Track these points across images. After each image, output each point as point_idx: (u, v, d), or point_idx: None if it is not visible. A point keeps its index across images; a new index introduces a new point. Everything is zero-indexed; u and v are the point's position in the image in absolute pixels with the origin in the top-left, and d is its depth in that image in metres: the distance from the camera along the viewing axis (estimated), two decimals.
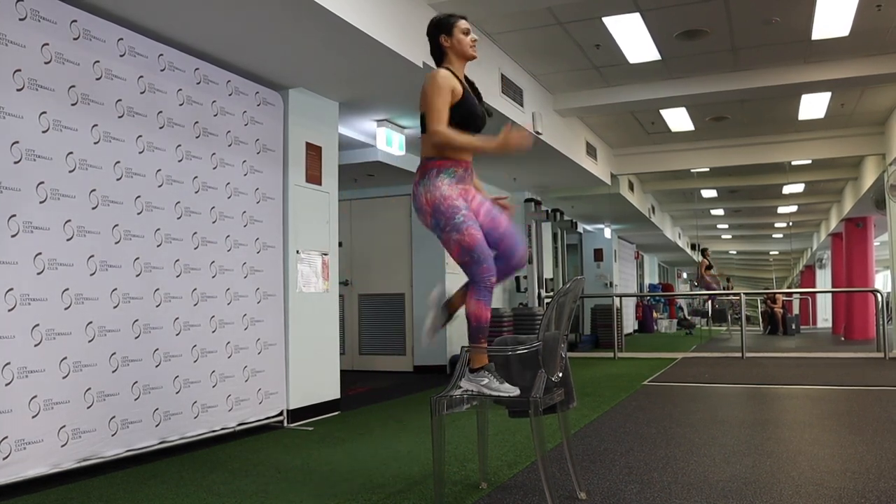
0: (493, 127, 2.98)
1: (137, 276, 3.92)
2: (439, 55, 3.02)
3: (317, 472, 3.58)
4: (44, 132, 3.45)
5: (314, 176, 5.39)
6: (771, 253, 25.23)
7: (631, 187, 11.81)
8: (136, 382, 3.86)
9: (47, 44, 3.48)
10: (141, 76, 4.02)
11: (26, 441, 3.26)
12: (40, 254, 3.38)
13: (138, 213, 3.95)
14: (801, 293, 23.27)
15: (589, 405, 5.33)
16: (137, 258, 3.93)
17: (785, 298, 18.60)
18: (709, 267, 14.85)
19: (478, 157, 3.03)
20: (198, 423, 4.25)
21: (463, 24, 3.01)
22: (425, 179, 2.85)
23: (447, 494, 3.00)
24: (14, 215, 3.28)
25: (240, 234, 4.68)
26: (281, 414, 4.93)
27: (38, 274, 3.37)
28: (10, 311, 3.23)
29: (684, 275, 27.76)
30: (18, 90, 3.34)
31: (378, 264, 8.75)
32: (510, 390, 2.70)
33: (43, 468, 3.34)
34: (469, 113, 2.90)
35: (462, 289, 2.92)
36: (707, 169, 11.22)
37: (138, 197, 3.96)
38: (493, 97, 6.09)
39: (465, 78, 3.02)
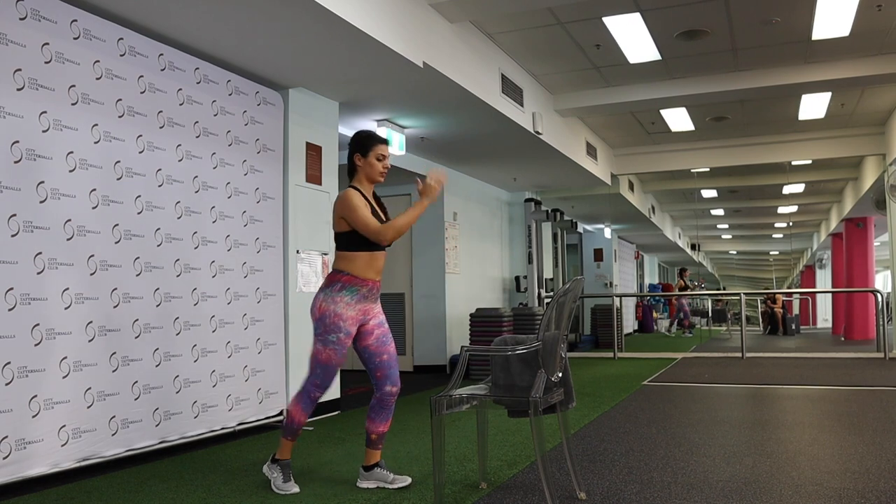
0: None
1: (137, 275, 3.92)
2: (351, 170, 3.24)
3: (317, 472, 3.58)
4: (44, 132, 3.45)
5: (314, 176, 5.39)
6: (771, 253, 25.23)
7: (631, 187, 11.82)
8: (136, 382, 3.86)
9: (47, 43, 3.48)
10: (141, 76, 4.02)
11: (26, 440, 3.26)
12: (40, 253, 3.38)
13: (138, 213, 3.96)
14: (801, 293, 23.28)
15: (588, 405, 5.33)
16: (137, 258, 3.93)
17: (785, 298, 18.60)
18: (684, 288, 15.03)
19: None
20: (198, 422, 4.25)
21: (380, 149, 3.21)
22: (328, 289, 3.11)
23: (447, 494, 3.00)
24: (14, 215, 3.28)
25: (240, 233, 4.68)
26: (281, 413, 4.93)
27: (38, 273, 3.37)
28: (10, 310, 3.23)
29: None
30: (18, 90, 3.34)
31: None
32: (290, 488, 3.15)
33: (43, 468, 3.34)
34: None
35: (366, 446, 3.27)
36: (707, 169, 11.21)
37: (138, 196, 3.96)
38: (493, 97, 6.09)
39: (374, 195, 3.24)
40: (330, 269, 3.23)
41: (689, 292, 14.65)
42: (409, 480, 3.18)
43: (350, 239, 3.11)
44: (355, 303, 3.10)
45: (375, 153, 3.17)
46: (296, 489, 3.16)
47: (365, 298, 3.14)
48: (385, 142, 3.24)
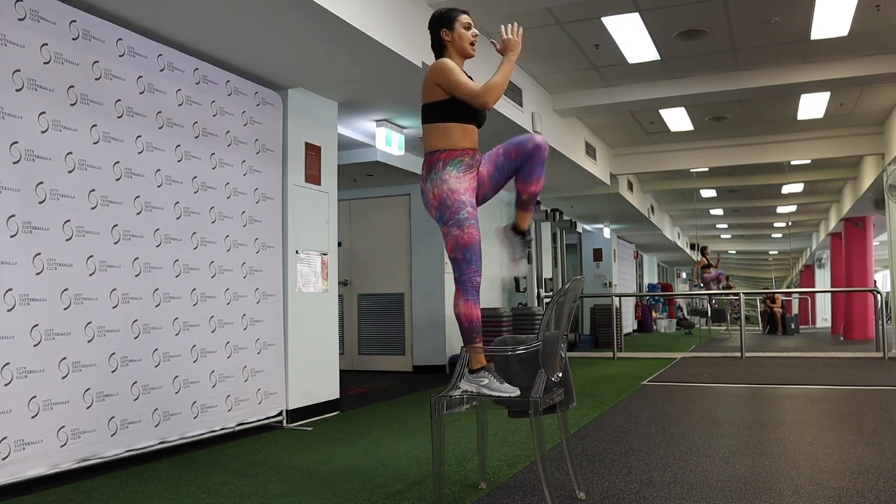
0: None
1: (137, 276, 3.92)
2: (439, 49, 3.02)
3: (316, 473, 3.58)
4: (43, 132, 3.44)
5: (313, 176, 5.39)
6: (770, 253, 25.25)
7: (630, 187, 11.82)
8: (135, 382, 3.86)
9: (46, 44, 3.48)
10: (140, 76, 4.02)
11: (26, 441, 3.26)
12: (39, 254, 3.38)
13: (137, 214, 3.95)
14: (800, 293, 23.29)
15: (588, 405, 5.33)
16: (137, 258, 3.92)
17: (784, 298, 18.61)
18: (707, 265, 14.86)
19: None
20: (197, 423, 4.25)
21: (465, 18, 3.00)
22: (432, 174, 2.86)
23: (447, 494, 3.00)
24: (13, 215, 3.28)
25: (239, 234, 4.68)
26: (280, 414, 4.93)
27: (38, 274, 3.37)
28: (9, 311, 3.22)
29: (683, 275, 27.78)
30: (17, 90, 3.34)
31: (377, 264, 8.75)
32: (510, 390, 2.70)
33: (42, 468, 3.33)
34: (470, 108, 2.90)
35: (517, 208, 3.04)
36: (706, 169, 11.22)
37: (137, 197, 3.96)
38: None
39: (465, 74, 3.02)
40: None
41: (687, 293, 14.58)
42: (517, 391, 2.75)
43: (443, 109, 2.86)
44: (463, 174, 2.86)
45: (461, 23, 2.96)
46: (516, 391, 2.70)
47: (469, 168, 2.89)
48: (465, 11, 3.01)
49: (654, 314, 18.12)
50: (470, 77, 3.00)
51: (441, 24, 2.99)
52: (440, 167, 2.85)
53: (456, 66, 2.90)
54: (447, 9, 3.03)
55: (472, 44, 3.01)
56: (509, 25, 2.97)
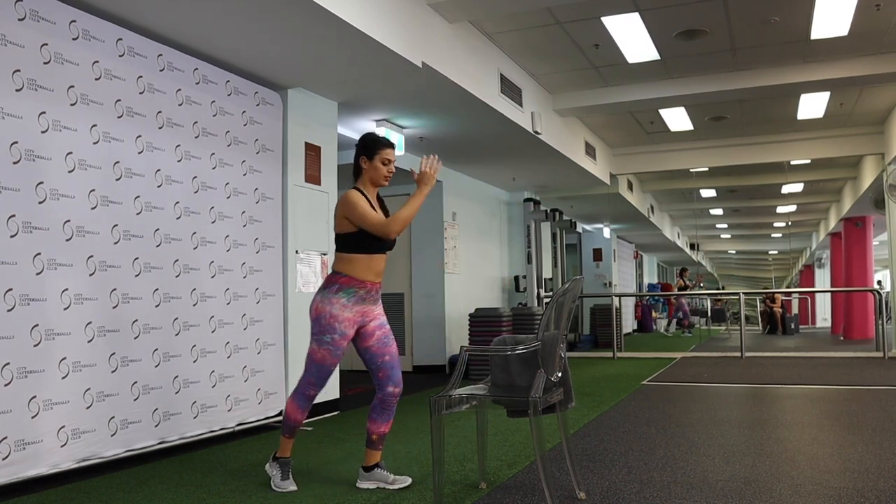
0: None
1: (137, 276, 3.92)
2: (357, 171, 3.24)
3: (316, 472, 3.58)
4: (43, 132, 3.45)
5: (313, 176, 5.39)
6: (770, 252, 25.26)
7: (630, 187, 11.82)
8: (135, 382, 3.86)
9: (46, 44, 3.48)
10: (140, 76, 4.02)
11: (26, 441, 3.26)
12: (39, 254, 3.38)
13: (137, 213, 3.95)
14: (800, 293, 23.30)
15: (588, 405, 5.33)
16: (137, 258, 3.93)
17: (784, 298, 18.62)
18: (683, 287, 15.05)
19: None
20: (197, 423, 4.25)
21: (386, 153, 3.20)
22: (326, 290, 3.12)
23: (446, 494, 3.00)
24: (13, 215, 3.28)
25: (239, 234, 4.68)
26: (280, 414, 4.93)
27: (38, 274, 3.37)
28: (9, 311, 3.23)
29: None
30: (18, 90, 3.34)
31: None
32: (288, 486, 3.19)
33: (42, 468, 3.34)
34: (374, 239, 3.11)
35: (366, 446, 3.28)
36: (706, 168, 11.22)
37: (137, 197, 3.96)
38: (492, 97, 6.09)
39: (377, 197, 3.25)
40: (329, 270, 3.23)
41: (687, 292, 14.66)
42: (409, 481, 3.18)
43: (350, 240, 3.11)
44: (352, 304, 3.10)
45: (381, 157, 3.17)
46: (293, 487, 3.19)
47: (363, 300, 3.14)
48: (392, 146, 3.23)
49: (654, 314, 18.13)
50: (381, 203, 3.27)
51: (362, 152, 3.21)
52: (335, 289, 3.11)
53: (361, 200, 3.09)
54: (374, 139, 3.24)
55: (386, 177, 3.22)
56: (427, 158, 3.14)
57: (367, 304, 3.16)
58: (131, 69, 3.97)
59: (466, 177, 9.15)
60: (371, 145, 3.19)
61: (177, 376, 4.13)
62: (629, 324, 16.48)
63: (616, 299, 11.31)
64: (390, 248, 3.23)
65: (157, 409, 3.98)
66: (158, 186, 4.10)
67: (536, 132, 7.10)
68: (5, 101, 3.27)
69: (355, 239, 3.10)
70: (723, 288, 24.90)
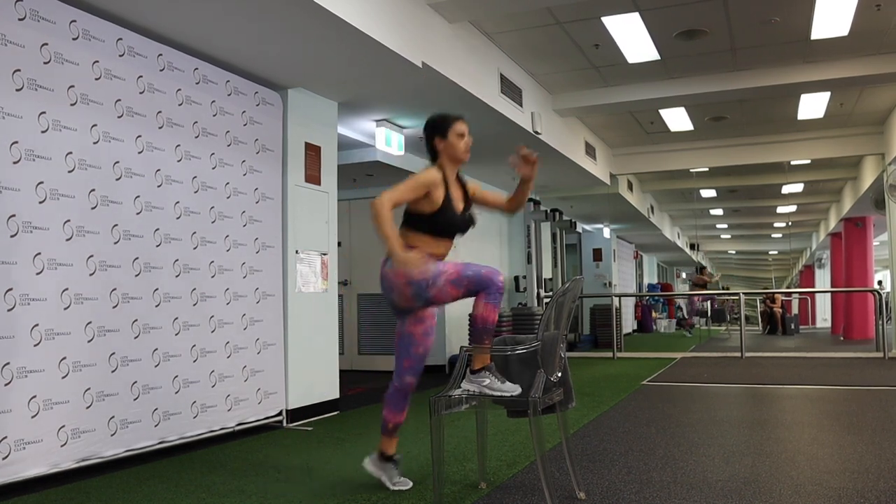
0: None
1: (137, 275, 3.92)
2: (433, 154, 3.09)
3: (316, 472, 3.58)
4: (43, 132, 3.45)
5: (313, 176, 5.39)
6: (770, 253, 25.27)
7: (630, 187, 11.82)
8: (135, 382, 3.86)
9: (46, 44, 3.48)
10: (140, 76, 4.02)
11: (26, 441, 3.26)
12: (39, 254, 3.38)
13: (137, 213, 3.95)
14: (800, 293, 23.30)
15: (588, 405, 5.33)
16: (137, 258, 3.93)
17: (784, 298, 18.62)
18: (704, 284, 15.12)
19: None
20: (197, 422, 4.25)
21: (459, 127, 3.06)
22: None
23: (446, 494, 3.00)
24: (13, 215, 3.28)
25: (239, 233, 4.68)
26: (280, 414, 4.94)
27: (38, 274, 3.37)
28: (9, 311, 3.23)
29: (683, 275, 27.82)
30: (18, 90, 3.34)
31: (377, 264, 8.69)
32: (511, 389, 2.72)
33: (42, 468, 3.34)
34: (445, 225, 2.98)
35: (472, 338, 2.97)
36: (706, 169, 11.22)
37: (137, 197, 3.96)
38: (492, 97, 6.09)
39: (458, 178, 3.11)
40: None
41: (688, 292, 14.70)
42: (409, 485, 3.16)
43: (418, 220, 2.97)
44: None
45: (455, 132, 3.03)
46: (517, 390, 2.73)
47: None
48: (462, 118, 3.08)
49: (653, 314, 18.13)
50: (463, 185, 3.13)
51: (435, 132, 3.06)
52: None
53: (422, 184, 2.91)
54: (441, 117, 3.08)
55: (465, 151, 3.08)
56: (530, 152, 3.02)
57: None
58: (131, 69, 3.97)
59: (466, 177, 9.12)
60: (441, 123, 3.05)
61: (177, 376, 4.13)
62: (629, 324, 16.48)
63: (616, 299, 11.30)
64: (462, 232, 3.09)
65: (156, 409, 3.98)
66: (158, 186, 4.10)
67: (536, 132, 7.10)
68: (5, 101, 3.27)
69: (426, 219, 2.96)
70: (723, 288, 24.88)
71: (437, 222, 2.97)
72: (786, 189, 13.15)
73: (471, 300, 2.88)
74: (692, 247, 19.34)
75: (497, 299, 2.81)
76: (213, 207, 4.48)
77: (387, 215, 2.78)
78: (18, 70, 3.34)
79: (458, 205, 3.06)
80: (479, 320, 2.82)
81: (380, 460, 3.18)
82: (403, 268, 2.80)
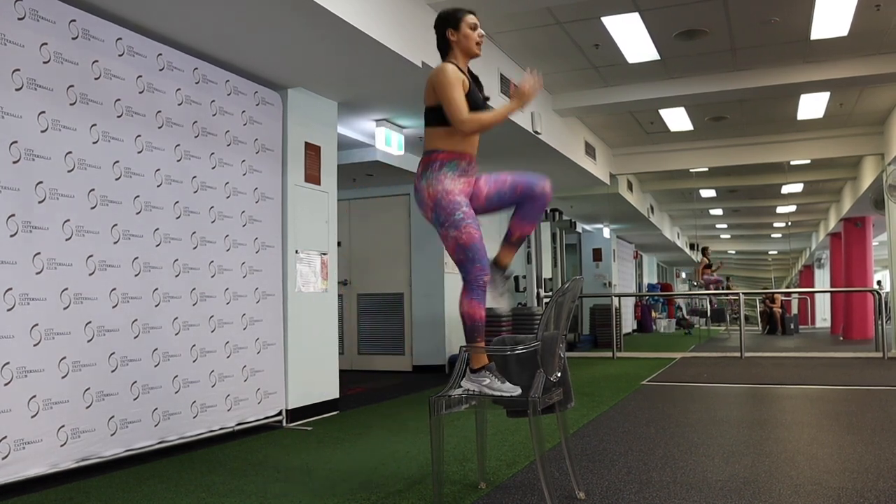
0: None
1: (136, 275, 3.92)
2: (445, 49, 3.02)
3: (316, 472, 3.58)
4: (42, 132, 3.44)
5: (313, 176, 5.39)
6: (770, 253, 25.27)
7: (630, 187, 11.82)
8: (135, 382, 3.86)
9: (46, 43, 3.48)
10: (140, 76, 4.02)
11: (25, 441, 3.26)
12: (39, 253, 3.38)
13: (137, 213, 3.95)
14: (799, 293, 23.31)
15: (587, 405, 5.33)
16: (136, 258, 3.92)
17: (784, 298, 18.62)
18: (708, 265, 14.96)
19: (478, 163, 3.02)
20: (197, 422, 4.25)
21: (471, 18, 2.99)
22: (428, 172, 2.85)
23: (446, 494, 3.00)
24: (13, 215, 3.28)
25: (239, 233, 4.68)
26: (280, 414, 4.94)
27: (37, 273, 3.37)
28: (8, 310, 3.22)
29: (683, 274, 27.82)
30: (17, 90, 3.34)
31: (377, 264, 8.76)
32: (511, 390, 2.70)
33: (42, 468, 3.33)
34: (475, 108, 2.91)
35: (504, 243, 3.03)
36: (706, 169, 11.23)
37: (137, 196, 3.96)
38: (492, 97, 6.06)
39: (469, 72, 3.03)
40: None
41: (688, 292, 14.67)
42: (518, 390, 2.74)
43: (441, 114, 2.86)
44: (458, 177, 2.86)
45: (467, 23, 2.95)
46: (517, 391, 2.69)
47: (465, 172, 2.90)
48: (472, 11, 3.00)
49: (653, 314, 18.13)
50: (475, 78, 3.03)
51: (447, 24, 2.99)
52: (437, 167, 2.85)
53: (456, 78, 2.85)
54: (453, 9, 3.02)
55: (478, 44, 3.00)
56: (531, 72, 2.94)
57: (468, 176, 2.92)
58: (131, 69, 3.97)
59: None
60: (453, 14, 2.97)
61: (176, 376, 4.13)
62: (629, 324, 16.49)
63: (616, 299, 11.30)
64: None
65: (156, 409, 3.98)
66: (158, 186, 4.10)
67: (536, 132, 7.10)
68: (5, 101, 3.27)
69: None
70: (723, 288, 24.88)
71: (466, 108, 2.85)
72: (785, 189, 13.15)
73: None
74: (692, 247, 19.35)
75: (479, 297, 2.78)
76: (212, 207, 4.48)
77: (477, 117, 2.83)
78: (18, 69, 3.34)
79: (479, 96, 3.00)
80: (467, 318, 2.80)
81: (478, 374, 2.77)
82: (532, 95, 2.89)
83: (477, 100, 2.95)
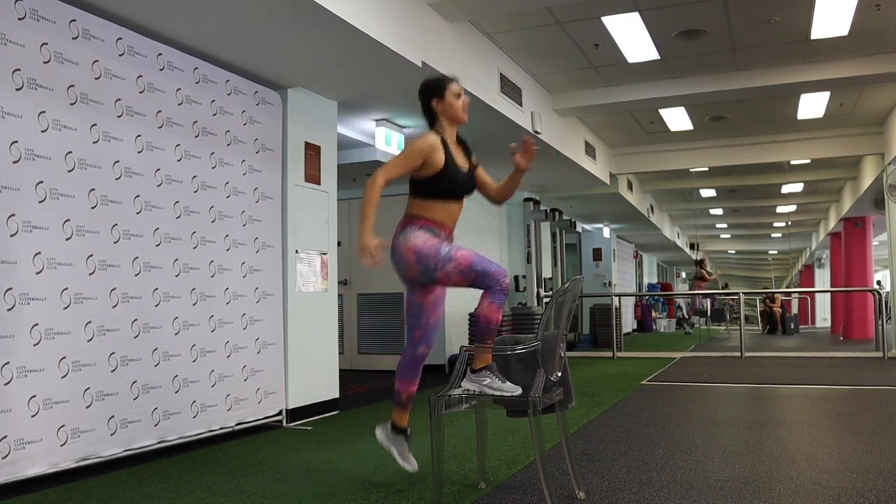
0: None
1: (136, 275, 3.92)
2: (430, 116, 3.07)
3: (316, 472, 3.58)
4: (43, 131, 3.44)
5: (313, 175, 5.39)
6: (770, 252, 25.28)
7: (630, 187, 11.82)
8: (135, 382, 3.86)
9: (46, 43, 3.48)
10: (140, 76, 4.02)
11: (25, 440, 3.26)
12: (39, 253, 3.38)
13: (137, 213, 3.95)
14: (799, 293, 23.31)
15: (587, 405, 5.33)
16: (136, 258, 3.92)
17: (784, 298, 18.63)
18: (704, 279, 15.19)
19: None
20: (197, 422, 4.25)
21: (455, 87, 3.03)
22: (406, 230, 2.91)
23: (446, 494, 3.00)
24: (13, 215, 3.28)
25: (239, 233, 4.68)
26: (280, 413, 4.94)
27: (37, 273, 3.37)
28: (9, 310, 3.22)
29: (683, 274, 27.83)
30: (17, 89, 3.33)
31: None
32: (512, 389, 2.71)
33: (42, 468, 3.34)
34: (450, 185, 2.95)
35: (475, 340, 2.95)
36: (706, 168, 11.23)
37: (137, 196, 3.96)
38: (492, 97, 6.09)
39: (458, 138, 3.07)
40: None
41: (689, 292, 14.75)
42: (416, 467, 3.09)
43: (424, 185, 2.92)
44: (434, 238, 2.90)
45: (452, 91, 2.99)
46: (517, 391, 2.70)
47: (442, 241, 2.92)
48: (456, 79, 3.05)
49: (653, 314, 18.14)
50: (463, 143, 3.09)
51: (432, 94, 3.03)
52: (415, 227, 2.91)
53: (420, 152, 2.90)
54: (437, 78, 3.07)
55: (464, 110, 3.05)
56: (532, 142, 2.97)
57: (444, 243, 2.93)
58: (131, 68, 3.97)
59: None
60: (437, 83, 3.01)
61: (176, 376, 4.13)
62: (629, 323, 16.49)
63: (616, 299, 11.30)
64: (469, 194, 3.05)
65: (156, 409, 3.98)
66: (158, 186, 4.10)
67: (536, 132, 7.10)
68: (5, 101, 3.27)
69: (430, 183, 2.91)
70: (723, 288, 24.88)
71: (442, 183, 2.91)
72: (785, 189, 13.15)
73: (474, 298, 2.85)
74: (692, 247, 19.36)
75: (501, 300, 2.78)
76: (212, 207, 4.48)
77: (372, 195, 2.83)
78: (18, 69, 3.34)
79: (463, 164, 3.02)
80: (483, 320, 2.80)
81: (392, 432, 3.12)
82: (360, 256, 2.78)
83: (454, 173, 2.95)
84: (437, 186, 2.92)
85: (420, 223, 2.92)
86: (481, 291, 2.82)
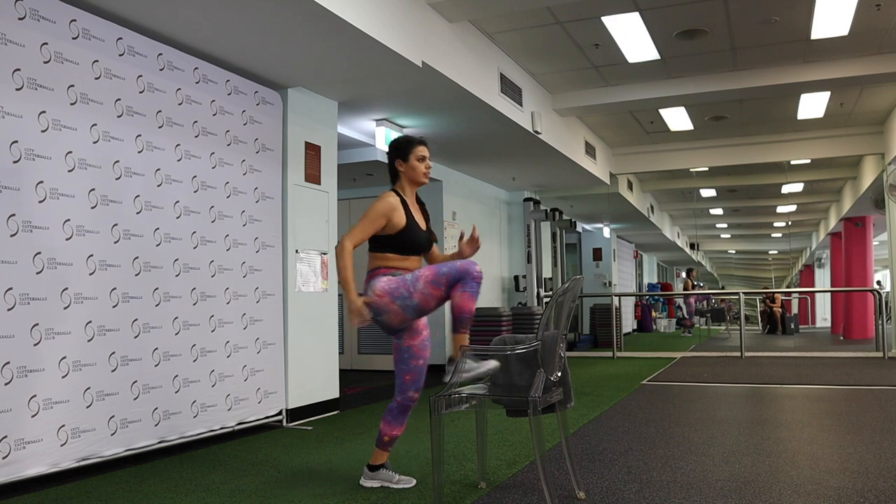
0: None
1: (136, 275, 3.92)
2: (393, 175, 3.19)
3: (316, 472, 3.58)
4: (43, 131, 3.45)
5: (313, 175, 5.39)
6: (770, 252, 25.27)
7: (630, 187, 11.82)
8: (135, 382, 3.86)
9: (46, 43, 3.48)
10: (140, 75, 4.02)
11: (25, 440, 3.26)
12: (39, 253, 3.38)
13: (137, 213, 3.95)
14: (799, 293, 23.31)
15: (587, 405, 5.33)
16: (136, 257, 3.93)
17: (784, 298, 18.62)
18: (691, 287, 15.33)
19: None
20: (197, 422, 4.25)
21: (420, 150, 3.16)
22: (372, 283, 3.01)
23: (446, 494, 3.01)
24: (13, 214, 3.28)
25: (239, 233, 4.68)
26: (280, 413, 4.94)
27: (38, 273, 3.37)
28: (9, 310, 3.23)
29: (683, 274, 27.82)
30: (17, 89, 3.34)
31: None
32: (487, 365, 2.77)
33: (42, 467, 3.34)
34: (411, 243, 3.07)
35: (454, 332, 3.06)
36: (706, 168, 11.22)
37: (137, 196, 3.96)
38: (492, 97, 6.09)
39: (417, 199, 3.21)
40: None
41: (689, 292, 14.81)
42: (413, 482, 3.17)
43: (384, 241, 3.05)
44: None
45: (416, 155, 3.13)
46: (494, 364, 2.82)
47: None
48: (423, 142, 3.18)
49: (653, 314, 18.14)
50: (422, 205, 3.25)
51: (396, 155, 3.16)
52: (379, 276, 3.02)
53: (382, 212, 3.00)
54: (405, 139, 3.19)
55: (425, 174, 3.17)
56: (476, 234, 3.20)
57: None
58: (131, 68, 3.97)
59: (466, 176, 9.15)
60: (404, 146, 3.14)
61: (176, 375, 4.13)
62: (629, 323, 16.49)
63: (616, 299, 11.30)
64: (427, 250, 3.19)
65: (156, 409, 3.98)
66: (158, 186, 4.10)
67: (536, 132, 7.10)
68: (5, 101, 3.27)
69: (391, 240, 3.04)
70: (723, 288, 24.90)
71: (402, 241, 3.05)
72: (786, 189, 13.15)
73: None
74: (692, 246, 19.36)
75: (474, 288, 2.84)
76: (212, 207, 4.49)
77: (346, 261, 2.94)
78: (18, 69, 3.34)
79: (422, 223, 3.17)
80: (456, 309, 2.87)
81: (371, 472, 3.20)
82: (351, 316, 2.90)
83: (413, 237, 3.07)
84: (398, 244, 3.05)
85: (382, 272, 3.04)
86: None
